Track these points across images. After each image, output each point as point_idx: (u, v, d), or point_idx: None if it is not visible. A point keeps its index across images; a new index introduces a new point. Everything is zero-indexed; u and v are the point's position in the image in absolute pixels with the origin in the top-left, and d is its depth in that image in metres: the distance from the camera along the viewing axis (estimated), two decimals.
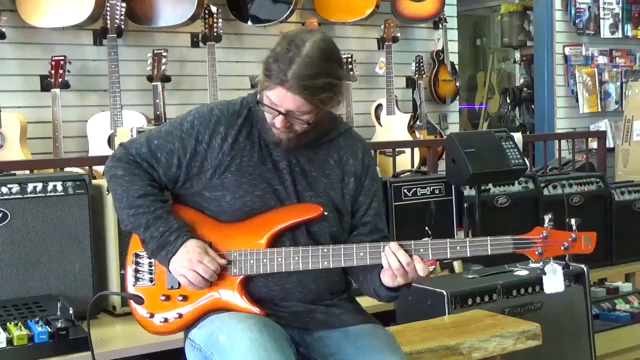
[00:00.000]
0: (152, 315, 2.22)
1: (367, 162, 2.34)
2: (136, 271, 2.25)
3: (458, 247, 2.13)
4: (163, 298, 2.21)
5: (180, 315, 2.20)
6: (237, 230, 2.20)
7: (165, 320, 2.21)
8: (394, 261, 2.11)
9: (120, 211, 2.23)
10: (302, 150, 2.25)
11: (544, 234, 2.11)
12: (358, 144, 2.35)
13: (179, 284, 2.19)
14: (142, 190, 2.20)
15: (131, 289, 2.26)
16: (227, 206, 2.20)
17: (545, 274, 2.22)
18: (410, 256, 2.11)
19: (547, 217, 2.12)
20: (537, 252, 2.11)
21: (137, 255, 2.26)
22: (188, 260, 2.14)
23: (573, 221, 2.13)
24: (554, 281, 2.20)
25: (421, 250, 2.13)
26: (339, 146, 2.31)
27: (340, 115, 2.40)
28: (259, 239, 2.18)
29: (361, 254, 2.15)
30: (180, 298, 2.20)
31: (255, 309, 2.16)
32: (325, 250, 2.15)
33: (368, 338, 2.22)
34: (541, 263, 2.22)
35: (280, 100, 2.10)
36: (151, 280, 2.24)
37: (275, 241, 2.19)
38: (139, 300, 2.23)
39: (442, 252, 2.15)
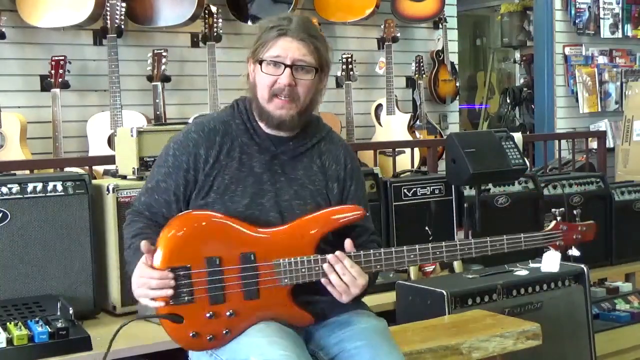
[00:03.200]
0: (197, 335, 2.11)
1: (351, 166, 2.34)
2: (172, 288, 2.08)
3: (498, 245, 2.31)
4: (209, 315, 2.10)
5: (229, 332, 2.12)
6: (281, 237, 2.16)
7: (214, 337, 2.12)
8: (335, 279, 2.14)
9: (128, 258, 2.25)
10: (285, 159, 2.27)
11: (564, 228, 2.41)
12: (340, 148, 2.36)
13: (224, 298, 2.10)
14: (134, 232, 2.22)
15: (167, 308, 2.11)
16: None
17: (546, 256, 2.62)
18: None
19: (557, 212, 2.42)
20: (558, 244, 2.41)
21: (172, 270, 2.09)
22: (135, 285, 2.12)
23: (575, 212, 2.48)
24: (552, 262, 2.68)
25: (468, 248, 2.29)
26: (321, 151, 2.32)
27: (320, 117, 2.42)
28: (306, 245, 2.15)
29: (412, 256, 2.22)
30: (229, 314, 2.11)
31: (307, 315, 2.17)
32: (378, 254, 2.18)
33: (362, 324, 2.23)
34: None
35: (285, 49, 2.18)
36: (191, 297, 2.09)
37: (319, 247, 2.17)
38: (177, 320, 2.10)
39: (484, 249, 2.29)
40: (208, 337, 2.12)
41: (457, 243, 2.26)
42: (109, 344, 2.20)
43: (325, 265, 2.13)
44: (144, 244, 2.09)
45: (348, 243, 2.16)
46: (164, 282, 2.07)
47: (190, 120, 4.62)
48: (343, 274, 2.12)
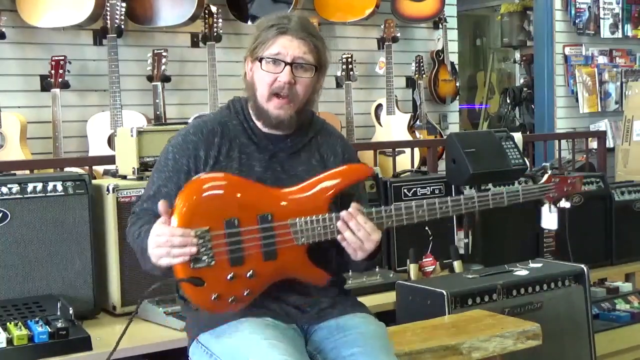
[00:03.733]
0: (219, 297, 2.09)
1: (348, 156, 2.39)
2: (195, 246, 2.06)
3: (498, 198, 2.39)
4: (230, 277, 2.09)
5: (250, 292, 2.13)
6: (295, 198, 2.18)
7: (235, 299, 2.11)
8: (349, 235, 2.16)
9: (138, 253, 2.21)
10: (284, 157, 2.28)
11: (557, 180, 2.51)
12: (336, 139, 2.40)
13: (243, 259, 2.11)
14: (142, 223, 2.20)
15: (187, 272, 2.08)
16: None
17: (544, 210, 2.61)
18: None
19: (549, 165, 2.52)
20: (551, 195, 2.51)
21: None
22: (154, 245, 2.08)
23: (563, 166, 2.49)
24: (550, 219, 2.65)
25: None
26: (319, 145, 2.35)
27: (315, 112, 2.43)
28: (319, 204, 2.18)
29: (420, 212, 2.24)
30: (249, 275, 2.10)
31: (324, 273, 2.19)
32: (389, 211, 2.21)
33: (360, 328, 2.23)
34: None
35: (286, 47, 2.19)
36: (211, 259, 2.08)
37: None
38: (199, 283, 2.08)
39: (486, 203, 2.38)
40: (230, 299, 2.11)
41: (462, 197, 2.32)
42: (124, 329, 2.20)
43: (339, 223, 2.15)
44: (161, 203, 2.07)
45: (355, 205, 2.18)
46: (186, 239, 2.04)
47: (190, 120, 4.63)
48: (357, 230, 2.15)
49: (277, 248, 2.13)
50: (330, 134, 2.40)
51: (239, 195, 2.14)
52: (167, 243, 2.04)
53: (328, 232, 2.16)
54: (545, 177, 2.53)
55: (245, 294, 2.12)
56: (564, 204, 2.55)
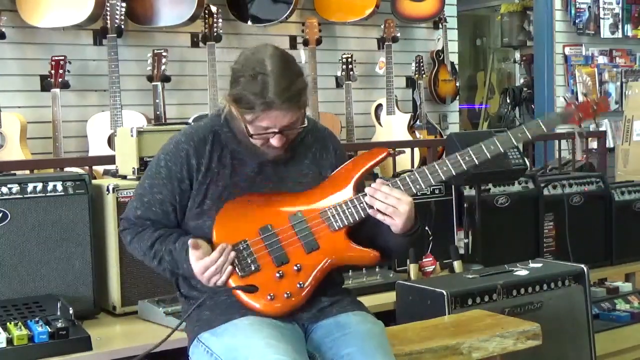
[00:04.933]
0: (274, 296, 2.18)
1: (339, 152, 2.43)
2: (237, 263, 2.20)
3: (520, 134, 2.36)
4: (279, 275, 2.20)
5: (302, 285, 2.20)
6: (319, 190, 2.28)
7: (291, 294, 2.20)
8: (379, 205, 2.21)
9: (153, 266, 2.32)
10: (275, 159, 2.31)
11: (576, 103, 2.47)
12: (326, 136, 2.43)
13: (287, 257, 2.21)
14: (150, 240, 2.27)
15: (238, 282, 2.19)
16: (209, 231, 2.25)
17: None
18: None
19: (567, 96, 2.42)
20: (577, 118, 2.45)
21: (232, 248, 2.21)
22: (206, 280, 2.18)
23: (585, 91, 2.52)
24: None
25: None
26: (310, 144, 2.38)
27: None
28: (345, 191, 2.27)
29: (444, 168, 2.30)
30: (296, 268, 2.21)
31: (373, 253, 2.24)
32: (412, 176, 2.28)
33: (358, 327, 2.24)
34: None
35: (274, 121, 2.18)
36: (257, 265, 2.20)
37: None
38: (253, 290, 2.18)
39: (509, 143, 2.38)
40: (285, 295, 2.19)
41: (481, 144, 2.35)
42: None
43: (367, 198, 2.22)
44: (192, 241, 2.17)
45: (378, 180, 2.26)
46: (226, 256, 2.16)
47: (190, 121, 4.64)
48: (386, 198, 2.21)
49: (315, 238, 2.23)
50: (320, 131, 2.43)
51: (266, 205, 2.25)
52: (216, 270, 2.17)
53: (359, 210, 2.23)
54: (565, 105, 2.54)
55: (298, 286, 2.20)
56: (578, 132, 2.54)
